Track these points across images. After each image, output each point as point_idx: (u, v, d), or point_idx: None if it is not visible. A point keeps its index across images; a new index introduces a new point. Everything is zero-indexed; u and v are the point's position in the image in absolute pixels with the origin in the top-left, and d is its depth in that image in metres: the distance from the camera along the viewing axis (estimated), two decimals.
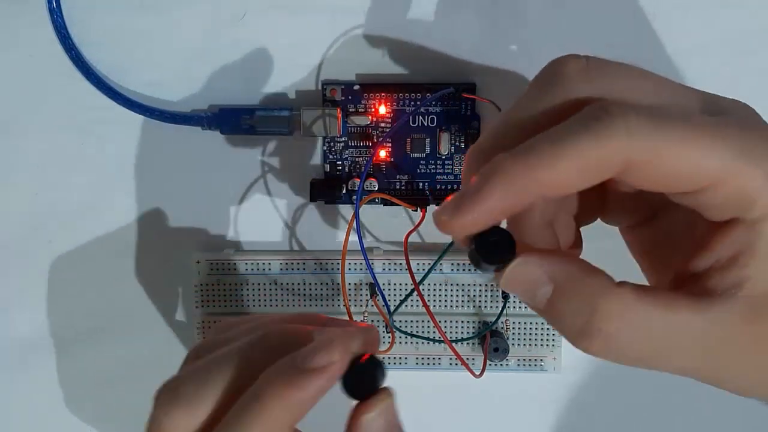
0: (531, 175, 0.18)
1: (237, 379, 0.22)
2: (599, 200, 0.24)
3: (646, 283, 0.23)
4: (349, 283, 0.36)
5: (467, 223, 0.19)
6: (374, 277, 0.34)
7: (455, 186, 0.35)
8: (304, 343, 0.22)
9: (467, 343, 0.37)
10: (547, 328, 0.36)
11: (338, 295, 0.36)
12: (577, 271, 0.20)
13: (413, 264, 0.36)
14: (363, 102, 0.35)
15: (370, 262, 0.34)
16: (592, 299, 0.19)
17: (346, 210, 0.36)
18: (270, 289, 0.36)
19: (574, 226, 0.24)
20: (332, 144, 0.35)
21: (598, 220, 0.25)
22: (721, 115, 0.20)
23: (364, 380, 0.21)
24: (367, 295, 0.36)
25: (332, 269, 0.36)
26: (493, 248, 0.20)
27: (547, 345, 0.37)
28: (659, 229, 0.23)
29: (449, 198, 0.19)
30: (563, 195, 0.19)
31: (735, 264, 0.19)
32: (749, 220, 0.19)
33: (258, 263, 0.36)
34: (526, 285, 0.20)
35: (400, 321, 0.36)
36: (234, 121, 0.34)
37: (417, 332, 0.36)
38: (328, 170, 0.36)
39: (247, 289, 0.36)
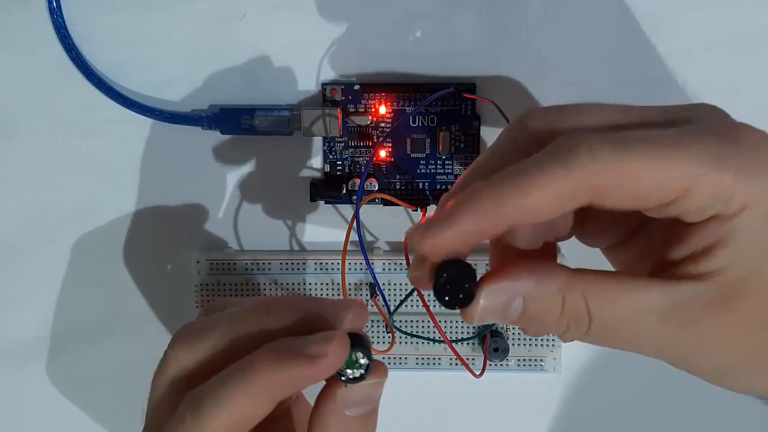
0: (503, 202, 0.19)
1: (236, 333, 0.23)
2: (578, 224, 0.24)
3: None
4: (349, 283, 0.36)
5: (437, 244, 0.20)
6: (374, 277, 0.34)
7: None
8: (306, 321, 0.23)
9: (467, 343, 0.37)
10: None
11: (338, 295, 0.36)
12: (541, 276, 0.20)
13: None
14: (363, 102, 0.35)
15: (370, 262, 0.34)
16: (558, 296, 0.20)
17: (346, 210, 0.36)
18: (270, 289, 0.36)
19: (552, 245, 0.25)
20: (332, 144, 0.35)
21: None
22: (684, 124, 0.21)
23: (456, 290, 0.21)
24: (367, 295, 0.36)
25: (332, 269, 0.36)
26: (454, 285, 0.20)
27: (547, 345, 0.37)
28: (638, 246, 0.24)
29: (421, 220, 0.20)
30: (535, 222, 0.20)
31: (708, 254, 0.20)
32: (725, 215, 0.19)
33: (258, 263, 0.36)
34: (498, 313, 0.21)
35: (400, 321, 0.36)
36: (234, 121, 0.34)
37: (417, 332, 0.36)
38: (328, 170, 0.36)
39: (247, 289, 0.36)
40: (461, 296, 0.20)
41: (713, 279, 0.20)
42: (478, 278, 0.21)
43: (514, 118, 0.22)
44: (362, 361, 0.22)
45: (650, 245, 0.23)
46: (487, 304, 0.20)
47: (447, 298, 0.20)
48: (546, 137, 0.20)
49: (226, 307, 0.25)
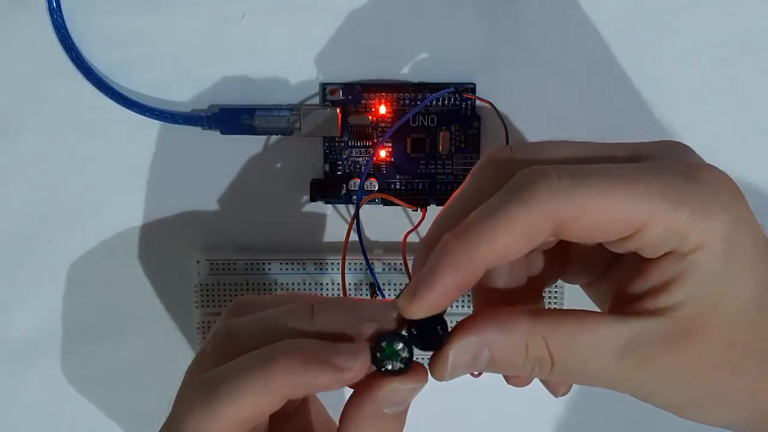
0: (473, 250, 0.20)
1: (278, 337, 0.23)
2: (560, 265, 0.25)
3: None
4: (349, 283, 0.36)
5: (426, 306, 0.20)
6: (374, 277, 0.34)
7: (455, 186, 0.35)
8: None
9: None
10: None
11: (338, 295, 0.36)
12: (504, 326, 0.21)
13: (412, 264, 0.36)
14: (363, 102, 0.35)
15: (370, 262, 0.34)
16: (522, 343, 0.21)
17: (346, 210, 0.36)
18: (270, 289, 0.36)
19: (538, 289, 0.26)
20: (332, 144, 0.35)
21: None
22: (648, 160, 0.21)
23: (430, 335, 0.22)
24: (367, 295, 0.36)
25: (332, 269, 0.36)
26: (426, 335, 0.22)
27: None
28: (611, 281, 0.24)
29: (405, 289, 0.21)
30: (508, 261, 0.21)
31: (666, 289, 0.20)
32: (682, 252, 0.20)
33: (258, 263, 0.36)
34: (467, 367, 0.21)
35: None
36: (234, 121, 0.34)
37: None
38: (328, 170, 0.36)
39: (247, 290, 0.36)
40: (432, 341, 0.22)
41: (670, 315, 0.20)
42: (448, 327, 0.22)
43: (481, 158, 0.23)
44: (404, 354, 0.22)
45: (619, 280, 0.23)
46: (458, 358, 0.21)
47: (419, 338, 0.22)
48: (512, 175, 0.21)
49: (255, 304, 0.25)
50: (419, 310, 0.21)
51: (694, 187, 0.20)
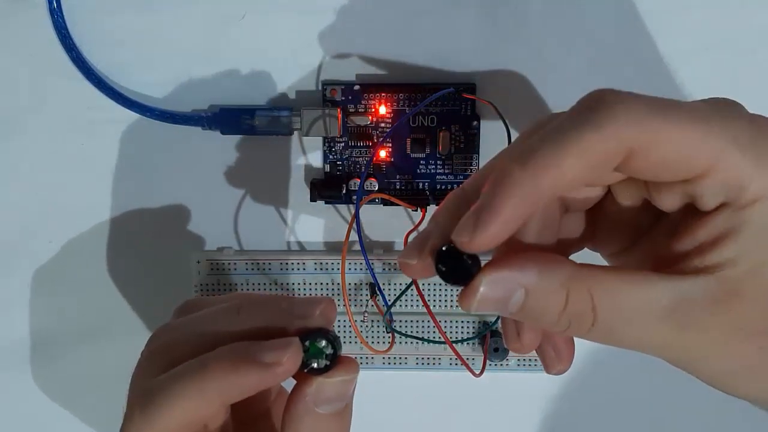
0: (540, 177, 0.18)
1: (207, 335, 0.23)
2: (591, 229, 0.24)
3: None
4: (349, 283, 0.36)
5: (489, 238, 0.19)
6: (374, 277, 0.34)
7: (455, 186, 0.35)
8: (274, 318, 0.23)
9: (467, 343, 0.37)
10: None
11: (338, 295, 0.36)
12: (545, 267, 0.20)
13: None
14: (363, 102, 0.35)
15: (370, 262, 0.34)
16: (562, 290, 0.19)
17: (346, 210, 0.36)
18: (270, 289, 0.36)
19: (565, 254, 0.24)
20: (332, 144, 0.35)
21: None
22: (700, 103, 0.20)
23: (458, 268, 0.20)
24: (367, 295, 0.36)
25: (332, 269, 0.36)
26: (457, 266, 0.20)
27: None
28: (640, 250, 0.23)
29: (461, 221, 0.19)
30: (571, 191, 0.19)
31: (716, 246, 0.19)
32: (736, 205, 0.19)
33: (258, 263, 0.36)
34: (497, 304, 0.20)
35: (400, 321, 0.36)
36: (234, 121, 0.34)
37: (417, 332, 0.36)
38: (328, 170, 0.36)
39: (247, 289, 0.36)
40: (462, 274, 0.20)
41: (718, 273, 0.19)
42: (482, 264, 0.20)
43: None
44: (328, 351, 0.22)
45: (654, 246, 0.23)
46: (487, 293, 0.19)
47: (445, 269, 0.20)
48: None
49: (200, 305, 0.25)
50: (482, 242, 0.19)
51: (761, 137, 0.19)
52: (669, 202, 0.20)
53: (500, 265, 0.20)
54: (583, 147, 0.18)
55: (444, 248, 0.20)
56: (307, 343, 0.22)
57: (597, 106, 0.18)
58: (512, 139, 0.33)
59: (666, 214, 0.21)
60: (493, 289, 0.19)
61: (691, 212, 0.20)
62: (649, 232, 0.23)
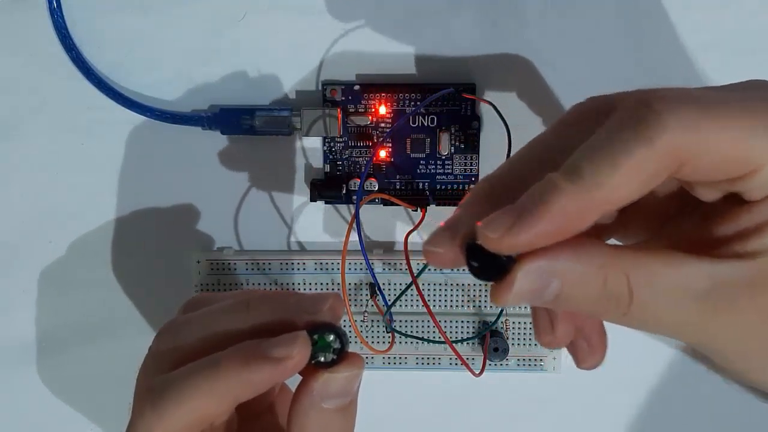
0: (590, 194, 0.17)
1: (215, 331, 0.23)
2: (625, 217, 0.23)
3: None
4: (349, 283, 0.36)
5: (521, 244, 0.18)
6: (374, 277, 0.34)
7: (455, 186, 0.35)
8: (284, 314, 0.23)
9: (467, 343, 0.37)
10: None
11: (338, 295, 0.36)
12: (582, 253, 0.19)
13: (413, 264, 0.35)
14: (363, 102, 0.35)
15: (370, 262, 0.34)
16: (600, 274, 0.19)
17: (346, 210, 0.36)
18: (270, 289, 0.36)
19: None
20: (332, 144, 0.35)
21: None
22: (740, 90, 0.20)
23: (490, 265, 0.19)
24: (367, 295, 0.36)
25: (332, 269, 0.36)
26: (492, 262, 0.19)
27: None
28: (669, 236, 0.22)
29: (493, 215, 0.18)
30: (619, 208, 0.19)
31: (759, 232, 0.19)
32: None
33: (258, 263, 0.36)
34: (533, 295, 0.19)
35: (400, 321, 0.36)
36: (234, 121, 0.34)
37: (417, 332, 0.36)
38: (328, 170, 0.36)
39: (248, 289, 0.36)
40: (496, 270, 0.19)
41: (759, 259, 0.19)
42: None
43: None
44: (335, 345, 0.22)
45: (683, 231, 0.22)
46: (524, 285, 0.18)
47: (478, 265, 0.19)
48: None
49: (206, 302, 0.25)
50: (511, 245, 0.18)
51: None
52: (712, 195, 0.20)
53: (535, 254, 0.18)
54: (633, 165, 0.17)
55: (475, 242, 0.19)
56: (315, 337, 0.22)
57: (645, 116, 0.18)
58: (512, 139, 0.33)
59: (698, 200, 0.21)
60: (530, 281, 0.19)
61: (733, 199, 0.20)
62: (675, 217, 0.22)
